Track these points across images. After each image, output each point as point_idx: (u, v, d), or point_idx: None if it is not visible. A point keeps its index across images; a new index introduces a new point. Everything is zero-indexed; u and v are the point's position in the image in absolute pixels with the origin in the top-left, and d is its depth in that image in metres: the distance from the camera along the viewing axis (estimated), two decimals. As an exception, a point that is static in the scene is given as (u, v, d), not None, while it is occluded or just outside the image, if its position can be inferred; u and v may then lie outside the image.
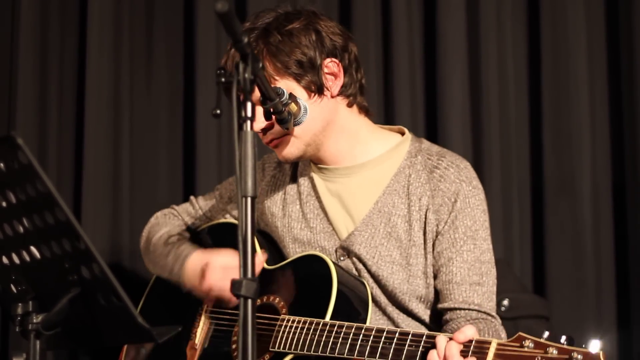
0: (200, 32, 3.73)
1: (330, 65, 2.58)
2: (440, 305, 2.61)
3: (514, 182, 3.67)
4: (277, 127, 2.55)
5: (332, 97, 2.60)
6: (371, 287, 2.61)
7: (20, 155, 1.89)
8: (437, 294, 2.63)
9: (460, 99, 3.69)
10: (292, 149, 2.60)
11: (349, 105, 2.64)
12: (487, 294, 2.59)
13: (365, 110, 2.69)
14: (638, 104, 3.64)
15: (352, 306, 2.52)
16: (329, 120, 2.61)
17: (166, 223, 2.90)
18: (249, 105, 1.92)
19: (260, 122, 2.53)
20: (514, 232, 3.64)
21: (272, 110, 2.33)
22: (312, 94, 2.57)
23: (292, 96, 2.48)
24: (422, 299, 2.64)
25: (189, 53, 3.76)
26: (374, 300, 2.61)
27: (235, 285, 1.84)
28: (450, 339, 2.24)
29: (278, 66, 2.54)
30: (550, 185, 3.68)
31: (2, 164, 1.93)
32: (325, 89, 2.58)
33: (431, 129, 3.70)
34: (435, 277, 2.62)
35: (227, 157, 3.71)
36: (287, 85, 2.54)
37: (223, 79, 1.94)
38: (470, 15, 3.72)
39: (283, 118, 2.41)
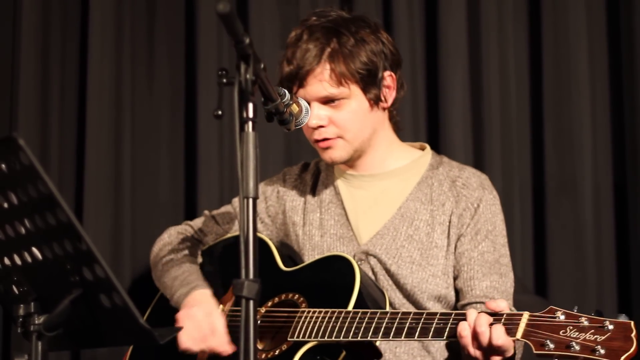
0: (202, 33, 3.73)
1: (389, 78, 2.70)
2: (460, 303, 2.67)
3: (515, 182, 3.67)
4: (332, 128, 2.65)
5: (384, 108, 2.72)
6: (386, 289, 2.66)
7: (22, 156, 1.89)
8: (457, 294, 2.69)
9: (462, 99, 3.69)
10: (342, 153, 2.69)
11: (390, 119, 2.77)
12: (505, 294, 2.67)
13: (397, 126, 2.81)
14: (639, 103, 3.64)
15: (370, 308, 2.53)
16: (376, 130, 2.72)
17: (179, 242, 2.90)
18: (250, 106, 1.92)
19: (317, 119, 2.62)
20: (515, 233, 3.63)
21: (273, 111, 2.34)
22: (373, 104, 2.67)
23: (293, 97, 2.49)
24: (441, 299, 2.68)
25: (190, 54, 3.76)
26: (389, 303, 2.64)
27: (236, 286, 1.84)
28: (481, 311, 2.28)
29: (351, 68, 2.62)
30: (552, 185, 3.68)
31: (3, 165, 1.93)
32: (382, 101, 2.69)
33: (432, 130, 3.70)
34: (456, 277, 2.69)
35: (229, 158, 3.71)
36: (352, 90, 2.64)
37: (224, 80, 1.94)
38: (471, 16, 3.72)
39: (284, 119, 2.42)
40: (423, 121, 3.71)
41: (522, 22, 3.74)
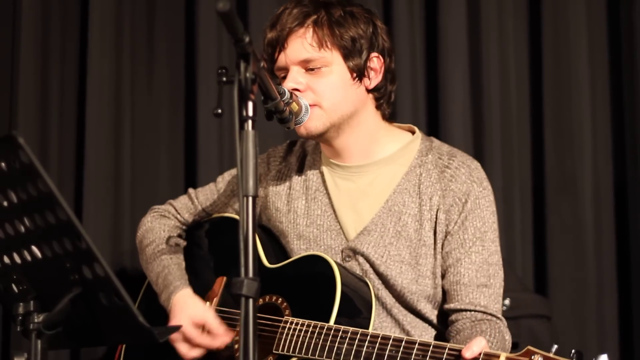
0: (201, 32, 3.73)
1: (375, 60, 2.63)
2: (446, 306, 2.61)
3: (515, 181, 3.67)
4: (309, 94, 2.58)
5: (367, 90, 2.63)
6: (377, 288, 2.62)
7: (22, 155, 1.89)
8: (444, 294, 2.64)
9: (462, 97, 3.69)
10: (317, 123, 2.60)
11: (377, 108, 2.68)
12: (493, 296, 2.60)
13: (386, 119, 2.72)
14: (639, 102, 3.64)
15: (356, 307, 2.52)
16: (358, 110, 2.63)
17: (160, 227, 2.88)
18: (250, 104, 1.92)
19: (293, 81, 2.56)
20: (515, 231, 3.63)
21: (273, 109, 2.33)
22: (355, 77, 2.60)
23: (293, 95, 2.48)
24: (430, 299, 2.64)
25: (190, 52, 3.76)
26: (380, 302, 2.61)
27: (236, 284, 1.84)
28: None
29: (336, 34, 2.57)
30: (552, 184, 3.68)
31: (3, 164, 1.93)
32: (365, 78, 2.61)
33: (432, 128, 3.70)
34: (442, 277, 2.63)
35: (229, 156, 3.71)
36: (334, 58, 2.57)
37: (224, 78, 1.94)
38: (472, 13, 3.72)
39: (284, 117, 2.42)
40: (423, 119, 3.71)
41: (522, 20, 3.75)
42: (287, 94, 2.42)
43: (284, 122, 2.45)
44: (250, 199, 1.88)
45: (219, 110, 1.94)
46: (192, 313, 2.60)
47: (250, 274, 1.85)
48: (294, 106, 2.47)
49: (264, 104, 2.31)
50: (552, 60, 3.70)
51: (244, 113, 1.91)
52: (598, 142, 3.67)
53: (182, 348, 2.60)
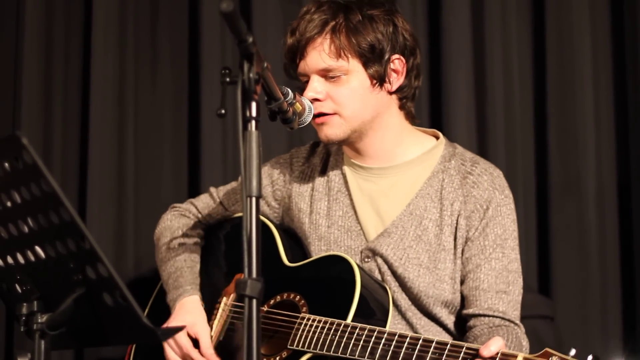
0: (205, 31, 3.73)
1: (397, 62, 2.62)
2: (464, 311, 2.61)
3: (519, 182, 3.66)
4: (329, 102, 2.59)
5: (389, 93, 2.63)
6: (393, 290, 2.62)
7: (25, 155, 1.89)
8: (463, 299, 2.63)
9: (465, 98, 3.69)
10: (337, 131, 2.61)
11: (400, 107, 2.67)
12: (512, 303, 2.60)
13: (411, 117, 2.72)
14: (643, 103, 3.64)
15: (373, 311, 2.53)
16: (380, 113, 2.63)
17: (179, 226, 2.88)
18: (253, 104, 1.92)
19: (313, 91, 2.57)
20: (519, 232, 3.62)
21: (277, 110, 2.33)
22: (375, 83, 2.59)
23: (297, 96, 2.48)
24: (447, 304, 2.64)
25: (194, 52, 3.76)
26: (395, 304, 2.61)
27: (240, 285, 1.84)
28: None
29: (353, 42, 2.56)
30: (555, 185, 3.68)
31: (6, 164, 1.93)
32: (386, 83, 2.61)
33: (436, 128, 3.68)
34: (462, 282, 2.63)
35: (232, 156, 3.71)
36: (354, 66, 2.58)
37: (228, 79, 1.94)
38: (475, 14, 3.71)
39: (287, 118, 2.42)
40: (426, 120, 3.71)
41: (526, 21, 3.74)
42: (290, 95, 2.43)
43: (287, 123, 2.45)
44: (254, 199, 1.88)
45: (223, 111, 1.94)
46: (191, 321, 2.65)
47: (254, 275, 1.85)
48: (298, 107, 2.47)
49: (268, 105, 2.31)
50: (555, 61, 3.70)
51: (248, 113, 1.91)
52: (602, 143, 3.66)
53: (170, 353, 2.66)
